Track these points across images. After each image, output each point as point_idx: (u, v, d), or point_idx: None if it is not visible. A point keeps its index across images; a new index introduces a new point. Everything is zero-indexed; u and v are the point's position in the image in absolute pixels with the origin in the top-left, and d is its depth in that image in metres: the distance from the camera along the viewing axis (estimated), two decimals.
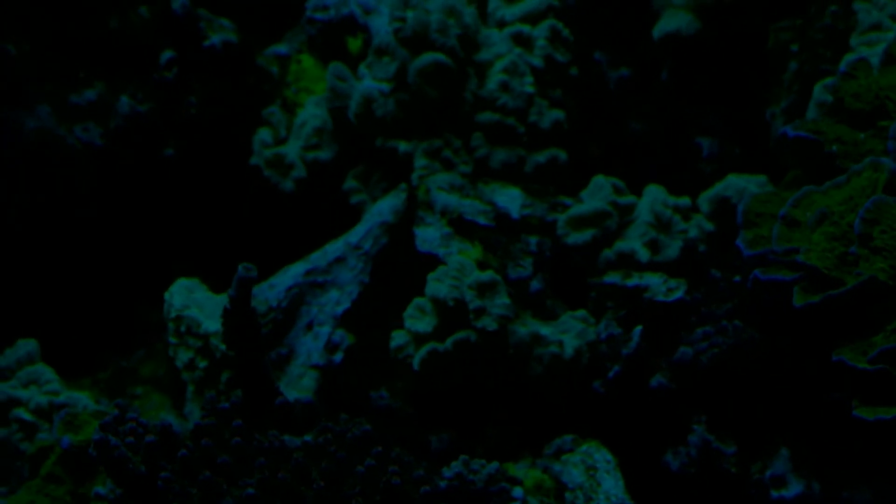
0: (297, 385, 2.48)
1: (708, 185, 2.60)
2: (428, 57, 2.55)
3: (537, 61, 2.63)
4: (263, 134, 2.83)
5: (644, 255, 2.49)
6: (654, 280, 2.47)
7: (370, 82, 2.62)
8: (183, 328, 2.49)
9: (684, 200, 2.56)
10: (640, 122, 2.81)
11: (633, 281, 2.47)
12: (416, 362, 2.39)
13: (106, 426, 2.09)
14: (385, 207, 2.56)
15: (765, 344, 2.33)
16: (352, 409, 2.32)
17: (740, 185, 2.54)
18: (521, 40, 2.64)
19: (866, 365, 2.07)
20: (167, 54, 2.79)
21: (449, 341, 2.37)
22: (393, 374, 2.51)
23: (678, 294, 2.45)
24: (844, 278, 2.14)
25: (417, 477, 2.08)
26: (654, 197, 2.55)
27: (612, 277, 2.49)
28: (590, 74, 2.80)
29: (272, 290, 2.53)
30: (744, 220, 2.32)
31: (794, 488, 2.28)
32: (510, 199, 2.54)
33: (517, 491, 2.25)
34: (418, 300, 2.40)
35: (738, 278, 2.44)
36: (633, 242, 2.50)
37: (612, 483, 2.31)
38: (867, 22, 2.52)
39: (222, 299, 2.33)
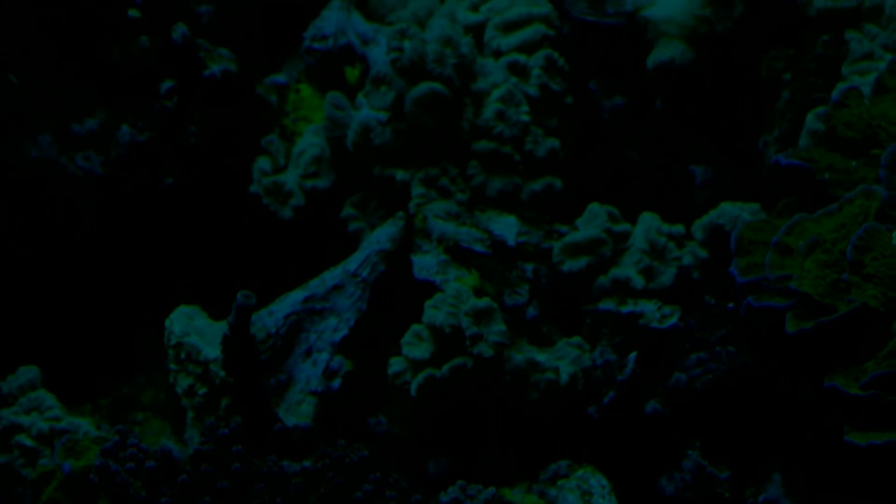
0: (296, 411, 2.48)
1: (702, 213, 2.59)
2: (425, 86, 2.56)
3: (533, 90, 2.65)
4: (262, 162, 2.83)
5: (639, 282, 2.50)
6: (648, 307, 2.48)
7: (368, 111, 2.63)
8: (183, 355, 2.50)
9: (678, 228, 2.57)
10: (635, 150, 2.81)
11: (627, 308, 2.49)
12: (413, 388, 2.39)
13: (107, 452, 2.10)
14: (383, 235, 2.57)
15: (758, 370, 2.34)
16: (350, 435, 2.33)
17: (734, 212, 2.55)
18: (517, 69, 2.66)
19: (858, 391, 2.08)
20: (167, 84, 2.80)
21: (446, 368, 2.37)
22: (390, 401, 2.51)
23: (672, 321, 2.46)
24: (836, 305, 2.14)
25: (415, 502, 2.09)
26: (648, 225, 2.56)
27: (607, 304, 2.50)
28: (585, 103, 2.80)
29: (271, 318, 2.54)
30: (737, 248, 2.33)
31: None
32: (506, 226, 2.55)
33: None
34: (415, 327, 2.41)
35: (731, 305, 2.45)
36: (628, 270, 2.51)
37: None
38: (859, 51, 2.53)
39: (222, 326, 2.34)
